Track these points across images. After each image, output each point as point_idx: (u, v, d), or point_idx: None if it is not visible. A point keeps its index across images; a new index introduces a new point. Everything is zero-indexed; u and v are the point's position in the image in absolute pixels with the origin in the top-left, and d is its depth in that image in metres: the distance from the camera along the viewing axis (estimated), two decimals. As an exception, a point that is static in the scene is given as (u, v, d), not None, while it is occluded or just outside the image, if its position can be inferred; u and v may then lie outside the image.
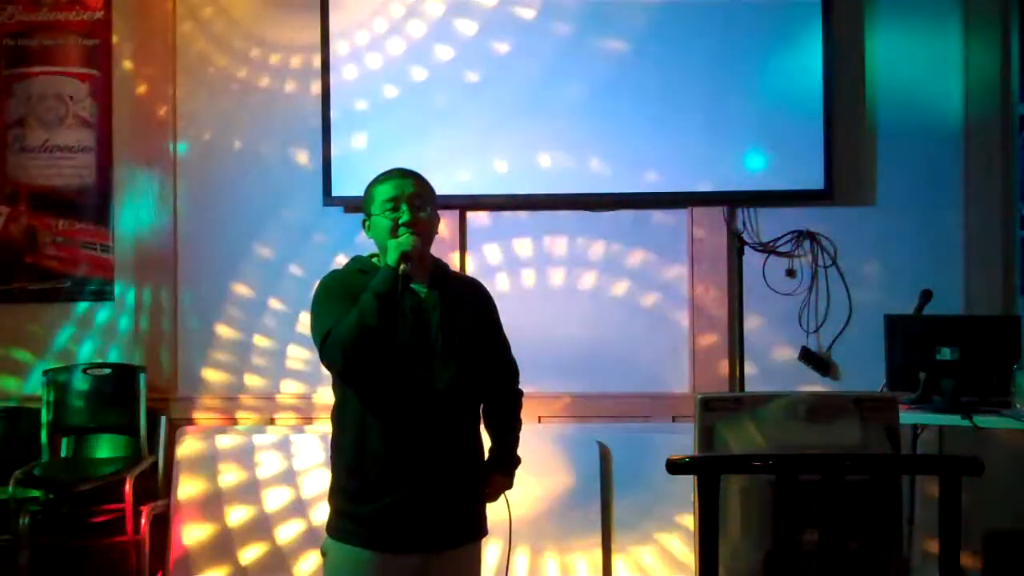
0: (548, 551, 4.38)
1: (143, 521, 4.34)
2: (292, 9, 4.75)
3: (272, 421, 4.70)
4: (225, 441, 4.59)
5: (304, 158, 4.71)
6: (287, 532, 4.47)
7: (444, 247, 4.53)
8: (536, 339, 4.61)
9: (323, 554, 2.73)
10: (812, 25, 4.47)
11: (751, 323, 4.57)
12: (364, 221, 2.72)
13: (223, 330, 4.77)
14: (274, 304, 4.73)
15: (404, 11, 4.65)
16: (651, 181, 4.55)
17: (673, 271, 4.63)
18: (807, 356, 4.52)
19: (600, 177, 4.56)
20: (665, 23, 4.55)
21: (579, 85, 4.57)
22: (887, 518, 2.48)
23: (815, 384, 4.52)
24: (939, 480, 2.24)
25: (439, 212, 2.77)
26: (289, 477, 4.51)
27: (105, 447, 4.67)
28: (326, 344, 2.56)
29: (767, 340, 4.58)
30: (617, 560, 4.40)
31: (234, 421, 4.71)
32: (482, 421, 2.84)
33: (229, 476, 4.54)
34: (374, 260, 2.72)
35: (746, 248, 4.57)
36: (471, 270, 4.61)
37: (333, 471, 2.72)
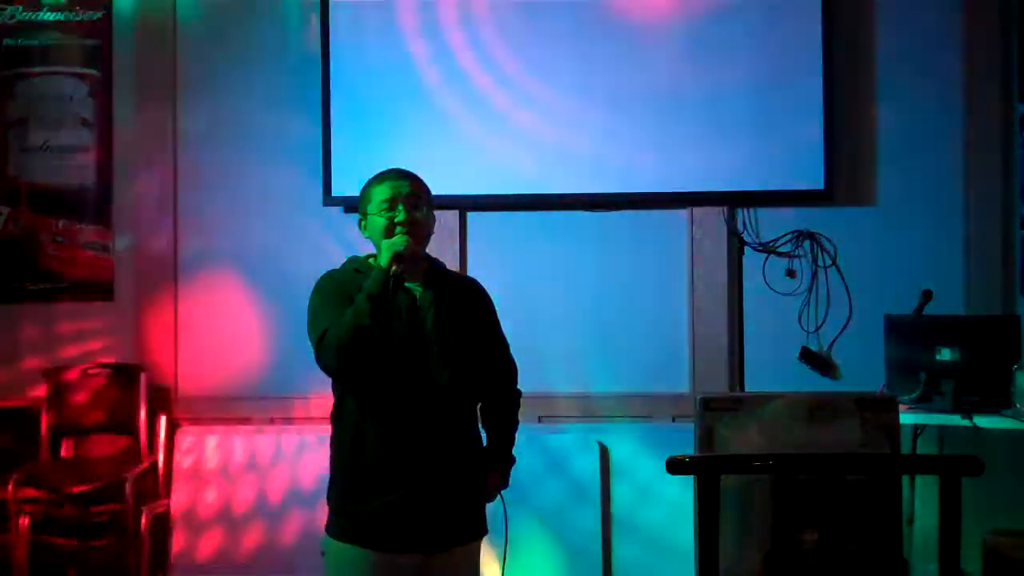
0: (548, 551, 4.38)
1: (143, 521, 4.35)
2: (293, 7, 4.75)
3: (272, 421, 4.70)
4: (225, 441, 4.59)
5: (304, 157, 4.70)
6: (287, 532, 4.47)
7: (444, 247, 4.53)
8: (536, 339, 4.61)
9: (322, 553, 2.74)
10: (812, 24, 4.47)
11: (751, 323, 4.57)
12: (360, 221, 2.72)
13: (223, 330, 4.76)
14: (274, 304, 4.72)
15: (404, 11, 4.65)
16: (651, 181, 4.54)
17: (673, 271, 4.63)
18: (807, 356, 4.52)
19: (600, 177, 4.56)
20: (665, 23, 4.55)
21: (579, 85, 4.56)
22: (887, 518, 2.48)
23: (815, 384, 4.51)
24: (939, 480, 2.24)
25: (437, 212, 2.77)
26: (289, 477, 4.51)
27: (105, 447, 4.67)
28: (321, 345, 2.57)
29: (767, 340, 4.58)
30: (617, 560, 4.40)
31: (234, 421, 4.70)
32: (479, 420, 2.84)
33: (229, 476, 4.54)
34: (370, 260, 2.72)
35: (746, 248, 4.57)
36: (471, 270, 4.61)
37: (332, 471, 2.72)
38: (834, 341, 4.53)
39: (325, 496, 2.73)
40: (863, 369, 4.36)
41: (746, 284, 4.55)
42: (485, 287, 2.88)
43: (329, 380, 2.72)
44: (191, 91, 4.79)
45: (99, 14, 4.80)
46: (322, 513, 2.73)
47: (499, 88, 4.59)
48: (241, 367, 4.75)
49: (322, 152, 4.61)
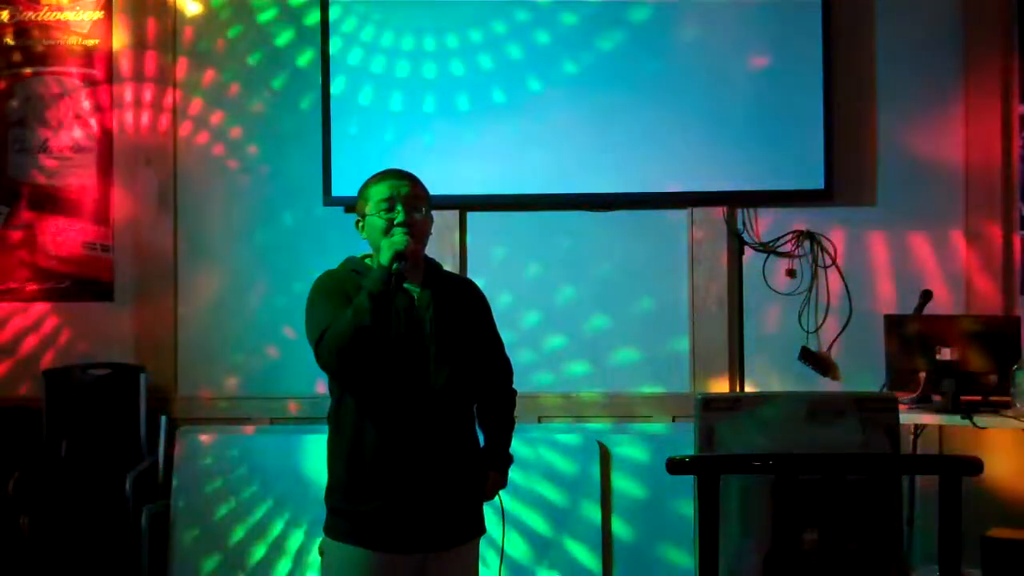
0: (548, 551, 4.38)
1: (143, 521, 4.34)
2: (293, 7, 4.75)
3: (271, 421, 4.70)
4: (225, 441, 4.59)
5: (304, 157, 4.70)
6: (286, 532, 4.47)
7: (444, 247, 4.53)
8: (536, 339, 4.62)
9: (321, 553, 2.74)
10: (812, 24, 4.46)
11: (751, 323, 4.57)
12: (358, 222, 2.72)
13: (223, 330, 4.76)
14: (274, 304, 4.72)
15: (404, 11, 4.64)
16: (651, 181, 4.54)
17: (673, 271, 4.62)
18: (807, 356, 4.51)
19: (600, 177, 4.55)
20: (665, 22, 4.55)
21: (579, 84, 4.56)
22: (887, 518, 2.48)
23: (815, 384, 4.51)
24: (939, 480, 2.24)
25: (437, 212, 2.78)
26: (288, 477, 4.51)
27: (105, 447, 4.67)
28: (321, 344, 2.56)
29: (767, 340, 4.58)
30: (617, 560, 4.40)
31: (234, 421, 4.70)
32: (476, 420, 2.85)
33: (229, 476, 4.54)
34: (367, 261, 2.72)
35: (746, 248, 4.57)
36: (471, 270, 4.61)
37: (330, 471, 2.72)
38: (834, 341, 4.53)
39: (323, 496, 2.73)
40: (863, 369, 4.36)
41: (746, 284, 4.55)
42: (485, 287, 2.89)
43: (328, 380, 2.72)
44: (191, 91, 4.79)
45: (99, 14, 4.80)
46: (321, 513, 2.73)
47: (499, 88, 4.59)
48: (241, 367, 4.76)
49: (322, 152, 4.61)
